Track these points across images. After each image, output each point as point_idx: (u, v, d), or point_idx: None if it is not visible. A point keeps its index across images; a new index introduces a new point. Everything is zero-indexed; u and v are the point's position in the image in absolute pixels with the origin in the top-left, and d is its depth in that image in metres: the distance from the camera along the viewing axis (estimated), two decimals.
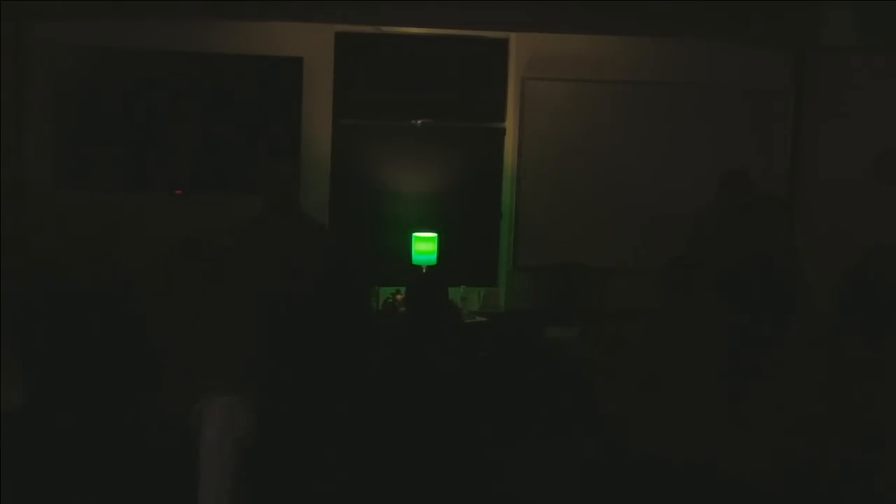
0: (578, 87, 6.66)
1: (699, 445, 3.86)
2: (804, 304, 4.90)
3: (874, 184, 6.60)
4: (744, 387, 3.90)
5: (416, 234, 6.39)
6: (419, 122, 6.57)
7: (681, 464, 3.86)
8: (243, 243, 5.06)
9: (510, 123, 6.69)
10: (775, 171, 6.73)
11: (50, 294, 4.57)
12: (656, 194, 6.69)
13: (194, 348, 4.11)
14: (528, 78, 6.63)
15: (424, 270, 6.29)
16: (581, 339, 5.73)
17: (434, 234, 6.39)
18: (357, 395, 3.97)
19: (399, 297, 6.21)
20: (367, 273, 5.75)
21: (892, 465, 3.59)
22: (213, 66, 6.23)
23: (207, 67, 6.22)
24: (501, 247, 6.80)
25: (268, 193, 5.22)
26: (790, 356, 3.85)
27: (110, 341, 4.19)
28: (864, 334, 3.68)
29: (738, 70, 6.71)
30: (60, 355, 4.20)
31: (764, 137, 6.80)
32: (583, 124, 6.68)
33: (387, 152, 6.57)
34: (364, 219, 6.59)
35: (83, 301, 4.38)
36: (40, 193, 6.08)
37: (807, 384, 3.72)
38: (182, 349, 4.14)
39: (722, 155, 6.72)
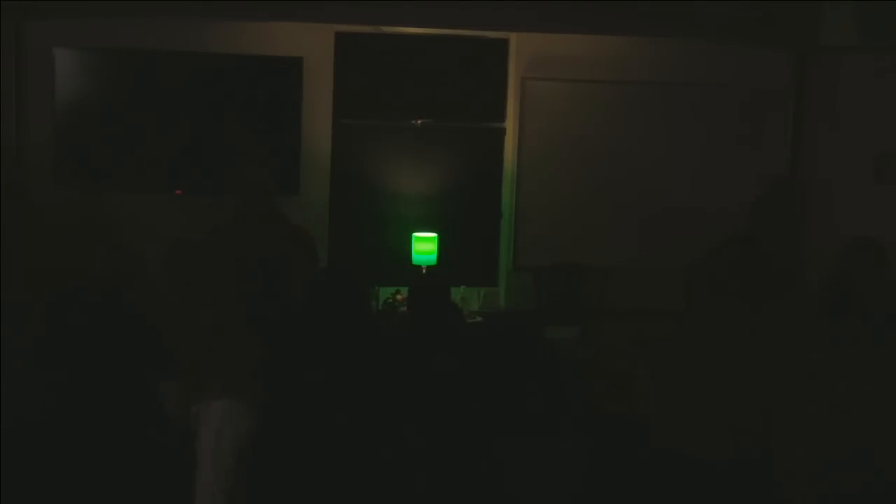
0: (578, 87, 6.66)
1: (723, 444, 3.85)
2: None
3: (874, 184, 6.60)
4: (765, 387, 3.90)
5: (416, 234, 6.39)
6: (419, 122, 6.57)
7: (704, 462, 3.86)
8: (214, 247, 4.98)
9: (510, 123, 6.69)
10: (775, 171, 6.73)
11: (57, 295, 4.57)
12: (656, 194, 6.69)
13: (191, 351, 4.11)
14: (528, 78, 6.63)
15: (424, 270, 6.30)
16: (581, 339, 5.74)
17: (434, 234, 6.39)
18: (358, 397, 3.97)
19: (399, 297, 6.22)
20: (366, 276, 5.74)
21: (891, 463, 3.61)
22: (213, 66, 6.23)
23: (207, 67, 6.22)
24: (501, 247, 6.80)
25: (239, 196, 5.19)
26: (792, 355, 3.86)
27: (113, 342, 4.20)
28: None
29: (738, 70, 6.72)
30: (68, 357, 4.22)
31: (764, 138, 6.80)
32: (583, 124, 6.68)
33: (387, 152, 6.57)
34: (364, 219, 6.59)
35: (87, 302, 4.38)
36: (40, 193, 6.08)
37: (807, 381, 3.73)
38: (180, 351, 4.15)
39: (722, 155, 6.74)
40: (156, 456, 4.10)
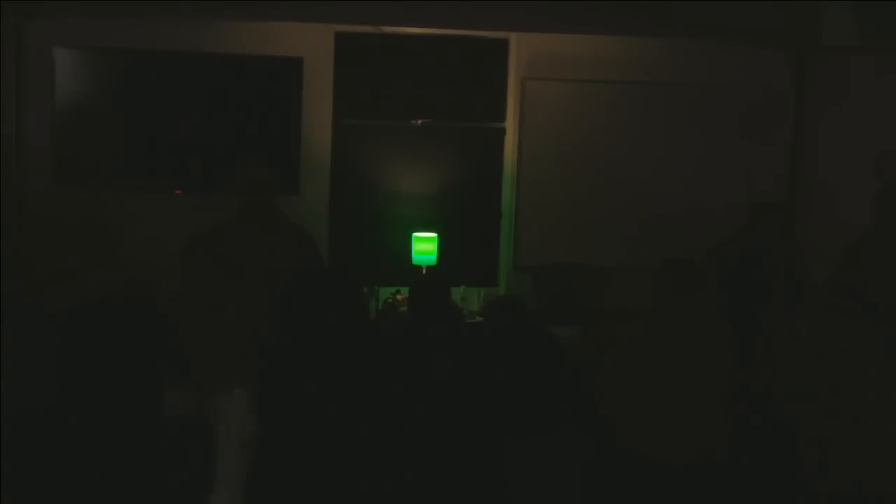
0: (578, 87, 6.66)
1: (695, 445, 3.86)
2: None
3: (874, 184, 6.59)
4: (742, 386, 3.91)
5: (416, 234, 6.39)
6: (419, 122, 6.57)
7: (675, 463, 3.87)
8: (209, 249, 4.92)
9: (510, 123, 6.69)
10: (775, 171, 6.73)
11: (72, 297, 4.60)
12: (656, 194, 6.69)
13: (209, 343, 4.13)
14: (528, 78, 6.63)
15: (424, 270, 6.30)
16: (581, 339, 5.73)
17: (434, 234, 6.39)
18: (358, 397, 3.97)
19: (399, 297, 6.22)
20: (365, 277, 5.74)
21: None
22: (213, 66, 6.23)
23: (207, 67, 6.22)
24: (501, 247, 6.80)
25: (240, 196, 5.15)
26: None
27: (132, 341, 4.22)
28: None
29: (738, 70, 6.72)
30: (84, 356, 4.23)
31: (764, 137, 6.80)
32: (583, 124, 6.68)
33: (387, 152, 6.57)
34: (364, 219, 6.59)
35: (106, 303, 4.40)
36: (40, 193, 6.08)
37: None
38: (197, 344, 4.17)
39: (722, 155, 6.74)
40: (162, 457, 4.12)
